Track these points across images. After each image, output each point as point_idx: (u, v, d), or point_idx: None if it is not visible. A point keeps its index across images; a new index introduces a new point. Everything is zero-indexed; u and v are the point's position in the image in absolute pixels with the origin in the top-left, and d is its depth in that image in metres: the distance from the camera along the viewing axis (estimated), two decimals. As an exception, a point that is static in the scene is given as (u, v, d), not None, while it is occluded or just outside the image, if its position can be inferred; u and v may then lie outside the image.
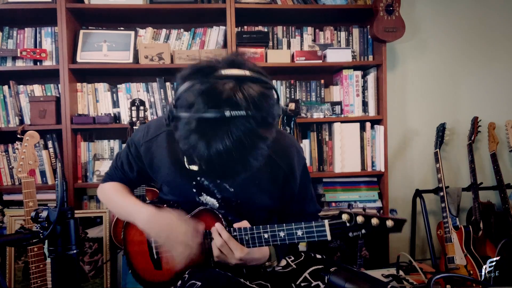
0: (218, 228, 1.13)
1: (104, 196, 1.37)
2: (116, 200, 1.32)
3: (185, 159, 1.08)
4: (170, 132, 1.19)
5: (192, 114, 0.87)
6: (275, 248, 1.22)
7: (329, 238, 1.05)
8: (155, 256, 1.27)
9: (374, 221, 1.00)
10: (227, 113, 0.85)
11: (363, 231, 1.01)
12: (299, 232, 1.08)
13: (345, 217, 1.02)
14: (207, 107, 0.86)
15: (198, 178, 1.21)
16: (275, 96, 0.96)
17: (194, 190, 1.23)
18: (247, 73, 0.91)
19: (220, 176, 1.06)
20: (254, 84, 0.90)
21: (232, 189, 1.21)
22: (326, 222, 1.05)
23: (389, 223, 0.99)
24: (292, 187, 1.25)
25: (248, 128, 0.87)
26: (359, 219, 1.01)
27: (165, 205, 1.28)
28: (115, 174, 1.36)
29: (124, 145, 2.45)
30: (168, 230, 1.13)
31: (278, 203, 1.28)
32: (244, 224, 1.15)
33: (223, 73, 0.89)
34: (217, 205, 1.24)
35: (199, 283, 1.09)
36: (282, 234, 1.09)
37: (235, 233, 1.16)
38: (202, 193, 1.24)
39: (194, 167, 1.04)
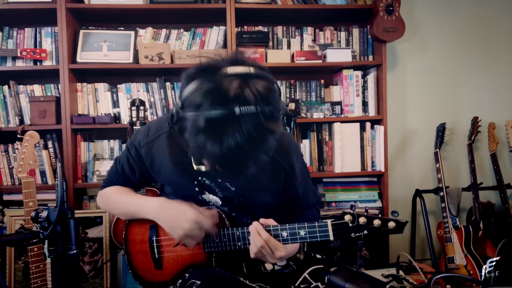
0: (257, 227, 1.09)
1: (106, 201, 1.35)
2: (121, 200, 1.31)
3: (193, 160, 1.07)
4: (171, 132, 1.20)
5: (201, 114, 0.87)
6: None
7: (331, 238, 1.05)
8: (156, 256, 1.27)
9: (376, 222, 1.01)
10: (237, 110, 0.86)
11: (365, 232, 1.02)
12: (302, 232, 1.08)
13: (347, 217, 1.03)
14: (216, 105, 0.86)
15: (200, 178, 1.22)
16: (278, 91, 0.97)
17: (197, 189, 1.24)
18: (251, 70, 0.92)
19: (231, 173, 1.05)
20: (259, 80, 0.91)
21: (234, 188, 1.22)
22: (329, 222, 1.05)
23: (391, 224, 1.00)
24: (294, 184, 1.27)
25: (257, 123, 0.88)
26: (362, 220, 1.02)
27: None
28: (115, 179, 1.34)
29: (123, 146, 2.48)
30: (178, 217, 1.13)
31: (279, 201, 1.29)
32: (271, 222, 1.12)
33: (229, 71, 0.90)
34: (220, 202, 1.25)
35: (199, 282, 1.10)
36: (284, 234, 1.09)
37: (238, 232, 1.16)
38: (205, 192, 1.24)
39: (202, 167, 1.03)
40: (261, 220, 1.12)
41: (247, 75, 0.90)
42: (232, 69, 0.90)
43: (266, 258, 1.10)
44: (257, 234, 1.08)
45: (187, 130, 0.92)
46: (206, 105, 0.87)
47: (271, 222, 1.11)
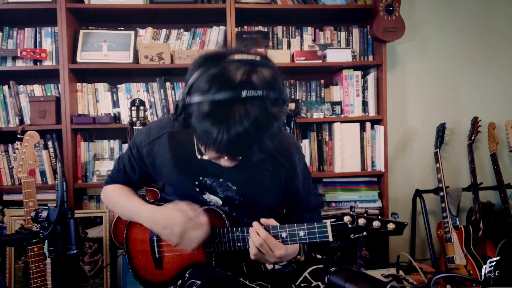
0: (255, 226, 1.10)
1: (107, 199, 1.38)
2: (120, 202, 1.32)
3: (196, 150, 1.07)
4: (172, 133, 1.21)
5: (208, 99, 0.88)
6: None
7: (330, 239, 1.05)
8: (157, 255, 1.27)
9: (376, 223, 1.00)
10: (243, 94, 0.87)
11: (365, 233, 1.02)
12: (301, 233, 1.08)
13: (347, 219, 1.03)
14: (223, 89, 0.87)
15: (201, 178, 1.22)
16: (282, 80, 0.98)
17: (197, 190, 1.24)
18: (257, 57, 0.93)
19: (237, 157, 1.04)
20: (265, 67, 0.93)
21: (235, 187, 1.22)
22: (328, 223, 1.05)
23: (391, 226, 1.00)
24: (296, 184, 1.27)
25: (263, 107, 0.89)
26: (361, 221, 1.02)
27: None
28: (117, 177, 1.36)
29: (124, 146, 2.49)
30: (168, 223, 1.14)
31: (280, 201, 1.29)
32: (272, 222, 1.12)
33: (235, 58, 0.91)
34: (221, 202, 1.25)
35: (199, 282, 1.10)
36: (284, 234, 1.09)
37: (237, 233, 1.16)
38: (205, 192, 1.24)
39: (205, 157, 1.03)
40: (262, 220, 1.12)
41: (253, 61, 0.92)
42: (238, 56, 0.92)
43: (265, 258, 1.10)
44: (256, 233, 1.09)
45: (193, 116, 0.92)
46: (213, 90, 0.88)
47: (271, 222, 1.11)
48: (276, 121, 0.93)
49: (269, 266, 1.25)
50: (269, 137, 0.93)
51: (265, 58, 0.96)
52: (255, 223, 1.11)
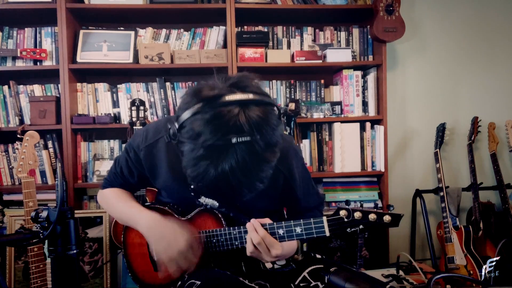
0: (254, 224, 1.09)
1: (104, 202, 1.36)
2: (117, 205, 1.31)
3: (188, 179, 1.08)
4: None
5: (199, 144, 0.89)
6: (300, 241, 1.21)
7: (327, 234, 1.05)
8: (155, 258, 1.27)
9: (372, 216, 1.01)
10: (234, 140, 0.87)
11: (361, 226, 1.02)
12: (298, 229, 1.08)
13: (342, 213, 1.03)
14: (215, 135, 0.88)
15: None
16: (277, 114, 0.97)
17: (192, 194, 1.24)
18: (250, 96, 0.92)
19: (226, 200, 1.07)
20: (257, 107, 0.92)
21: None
22: (324, 218, 1.06)
23: (387, 218, 1.00)
24: (294, 188, 1.27)
25: (252, 151, 0.89)
26: (357, 214, 1.02)
27: (166, 207, 1.29)
28: (115, 180, 1.35)
29: (123, 146, 2.48)
30: (169, 238, 1.13)
31: (277, 205, 1.29)
32: (267, 221, 1.12)
33: (227, 99, 0.90)
34: (217, 204, 1.24)
35: (199, 282, 1.10)
36: (281, 231, 1.09)
37: (234, 231, 1.15)
38: (201, 196, 1.25)
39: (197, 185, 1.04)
40: (257, 219, 1.12)
41: (245, 102, 0.91)
42: (231, 97, 0.90)
43: (262, 256, 1.09)
44: (254, 231, 1.08)
45: (185, 155, 0.93)
46: (205, 135, 0.88)
47: (267, 220, 1.12)
48: (266, 164, 0.94)
49: (268, 266, 1.25)
50: (259, 179, 0.94)
51: (259, 93, 0.94)
52: (253, 221, 1.11)
